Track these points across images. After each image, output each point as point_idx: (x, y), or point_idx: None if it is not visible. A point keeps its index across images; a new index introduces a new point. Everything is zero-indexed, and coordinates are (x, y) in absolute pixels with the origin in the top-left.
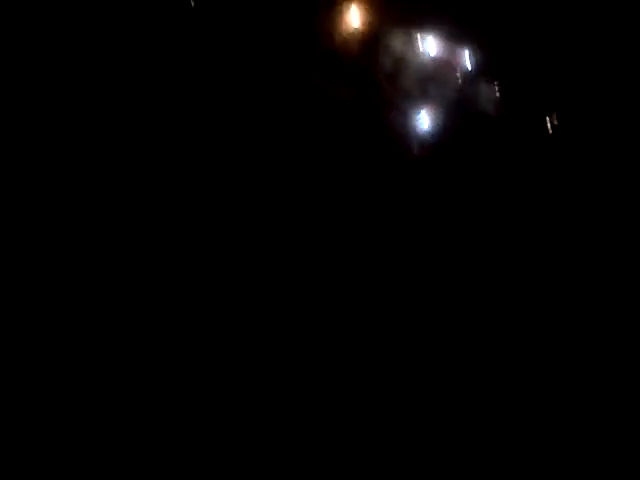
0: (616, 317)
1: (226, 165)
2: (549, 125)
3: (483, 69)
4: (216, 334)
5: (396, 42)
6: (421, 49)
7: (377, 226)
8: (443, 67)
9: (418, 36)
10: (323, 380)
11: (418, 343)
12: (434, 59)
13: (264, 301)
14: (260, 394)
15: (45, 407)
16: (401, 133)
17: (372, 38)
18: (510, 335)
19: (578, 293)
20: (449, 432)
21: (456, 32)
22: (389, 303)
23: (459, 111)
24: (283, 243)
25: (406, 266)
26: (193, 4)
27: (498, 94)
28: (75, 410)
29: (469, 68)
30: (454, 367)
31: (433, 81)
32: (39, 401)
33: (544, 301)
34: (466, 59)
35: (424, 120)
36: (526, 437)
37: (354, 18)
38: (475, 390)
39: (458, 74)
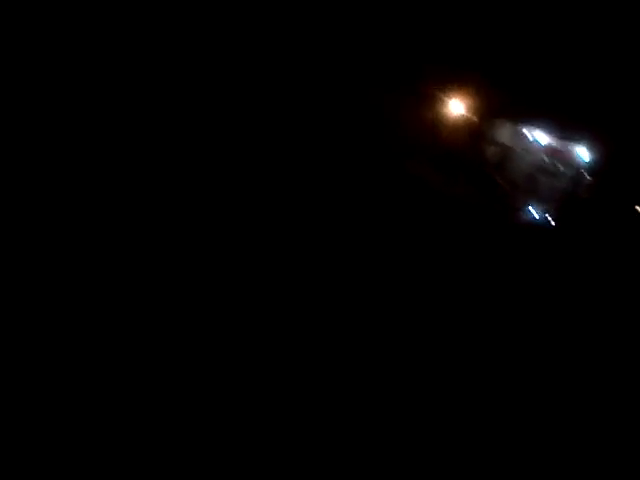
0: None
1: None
2: None
3: (596, 165)
4: (212, 333)
5: (504, 133)
6: (531, 139)
7: None
8: (554, 158)
9: (527, 127)
10: (320, 380)
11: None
12: (544, 150)
13: (258, 302)
14: (258, 393)
15: (44, 406)
16: (513, 224)
17: (479, 128)
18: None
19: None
20: (447, 432)
21: (567, 127)
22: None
23: (570, 205)
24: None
25: None
26: None
27: (609, 191)
28: (74, 409)
29: (581, 163)
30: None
31: (544, 173)
32: (38, 400)
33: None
34: (578, 153)
35: (535, 212)
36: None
37: (462, 109)
38: (473, 391)
39: (570, 167)
